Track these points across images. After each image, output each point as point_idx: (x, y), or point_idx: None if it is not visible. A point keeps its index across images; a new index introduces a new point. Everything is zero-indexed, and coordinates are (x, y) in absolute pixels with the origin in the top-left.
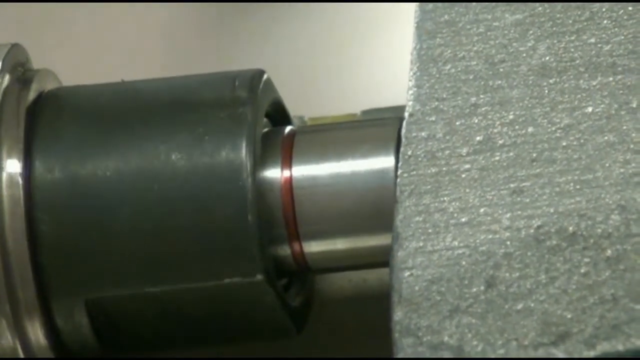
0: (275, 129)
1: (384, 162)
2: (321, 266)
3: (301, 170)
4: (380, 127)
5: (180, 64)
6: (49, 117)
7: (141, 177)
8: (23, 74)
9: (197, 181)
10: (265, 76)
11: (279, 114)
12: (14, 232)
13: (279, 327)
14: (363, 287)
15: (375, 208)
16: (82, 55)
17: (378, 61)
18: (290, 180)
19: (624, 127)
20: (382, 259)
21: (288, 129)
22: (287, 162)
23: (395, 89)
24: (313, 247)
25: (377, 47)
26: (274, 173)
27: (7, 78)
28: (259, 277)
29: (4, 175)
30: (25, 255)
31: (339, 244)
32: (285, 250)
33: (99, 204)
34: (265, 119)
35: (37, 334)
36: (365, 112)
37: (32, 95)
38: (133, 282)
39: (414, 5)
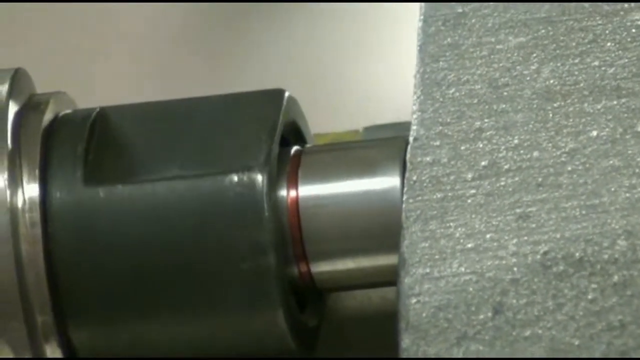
0: (282, 149)
1: (390, 182)
2: (328, 286)
3: (307, 191)
4: (386, 147)
5: (181, 66)
6: (65, 140)
7: (158, 201)
8: (30, 98)
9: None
10: (286, 96)
11: (292, 134)
12: (32, 256)
13: (291, 350)
14: (367, 305)
15: (382, 228)
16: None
17: (381, 76)
18: (296, 201)
19: (629, 152)
20: (389, 278)
21: (294, 149)
22: (294, 183)
23: (398, 104)
24: (320, 267)
25: (379, 63)
26: (281, 194)
27: (16, 103)
28: (280, 317)
29: (24, 200)
30: (43, 280)
31: (346, 264)
32: (293, 271)
33: (117, 229)
34: None
35: (55, 354)
36: (367, 129)
37: (47, 118)
38: (149, 309)
39: (416, 16)
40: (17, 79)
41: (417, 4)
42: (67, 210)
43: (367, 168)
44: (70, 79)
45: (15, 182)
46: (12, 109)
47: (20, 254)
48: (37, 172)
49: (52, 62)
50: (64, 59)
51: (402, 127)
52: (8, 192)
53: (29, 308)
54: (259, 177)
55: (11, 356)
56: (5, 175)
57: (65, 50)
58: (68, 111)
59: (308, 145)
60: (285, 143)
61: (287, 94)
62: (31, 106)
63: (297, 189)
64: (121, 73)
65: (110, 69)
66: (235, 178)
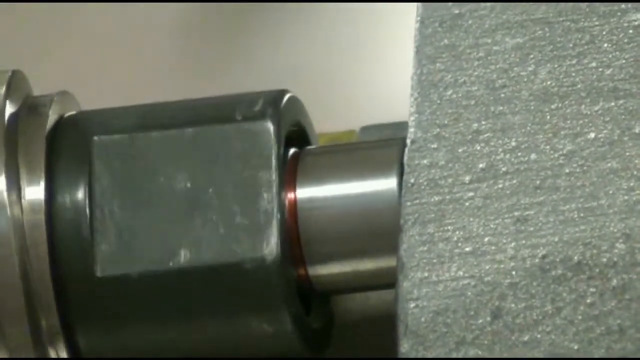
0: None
1: (388, 183)
2: (326, 288)
3: (305, 193)
4: (384, 149)
5: (184, 63)
6: (70, 142)
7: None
8: (28, 99)
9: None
10: (287, 97)
11: (295, 134)
12: (36, 258)
13: (297, 352)
14: (366, 307)
15: (380, 230)
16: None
17: (378, 75)
18: (294, 203)
19: (627, 154)
20: (387, 280)
21: (292, 150)
22: (292, 184)
23: (395, 104)
24: (318, 269)
25: (376, 62)
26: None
27: (13, 105)
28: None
29: (25, 202)
30: (49, 282)
31: (345, 266)
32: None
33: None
34: None
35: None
36: (364, 129)
37: (51, 120)
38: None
39: (414, 16)
40: (15, 81)
41: (415, 4)
42: (72, 213)
43: (365, 170)
44: (71, 79)
45: (14, 184)
46: (9, 110)
47: (22, 256)
48: (41, 174)
49: (50, 62)
50: (64, 59)
51: (399, 127)
52: (6, 195)
53: (35, 310)
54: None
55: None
56: (3, 178)
57: (65, 50)
58: (72, 112)
59: (306, 147)
60: (289, 143)
61: (289, 95)
62: (31, 107)
63: (294, 191)
64: (130, 71)
65: (120, 68)
66: (246, 112)
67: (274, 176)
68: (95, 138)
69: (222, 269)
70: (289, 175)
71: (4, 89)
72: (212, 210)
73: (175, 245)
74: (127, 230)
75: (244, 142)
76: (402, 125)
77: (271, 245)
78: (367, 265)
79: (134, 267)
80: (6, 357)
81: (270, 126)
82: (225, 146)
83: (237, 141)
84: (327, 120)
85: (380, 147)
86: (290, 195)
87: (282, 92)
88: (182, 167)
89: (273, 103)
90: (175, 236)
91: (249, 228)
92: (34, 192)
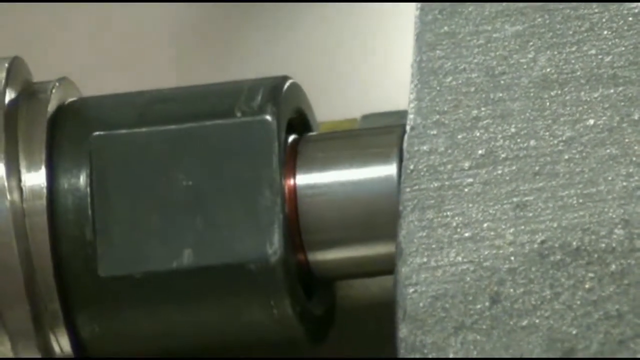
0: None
1: (388, 170)
2: (326, 275)
3: (305, 179)
4: (384, 135)
5: (185, 59)
6: (71, 128)
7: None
8: (29, 86)
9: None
10: (287, 84)
11: (296, 121)
12: (37, 244)
13: (298, 339)
14: (365, 294)
15: (380, 216)
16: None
17: (378, 64)
18: (294, 189)
19: (626, 140)
20: (387, 267)
21: (292, 137)
22: (291, 171)
23: (396, 92)
24: (318, 255)
25: (378, 50)
26: None
27: (13, 91)
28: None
29: (25, 188)
30: (50, 269)
31: (344, 253)
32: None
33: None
34: None
35: (62, 346)
36: (365, 117)
37: (52, 106)
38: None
39: (414, 8)
40: (14, 67)
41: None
42: (73, 199)
43: (365, 156)
44: (70, 77)
45: (14, 170)
46: (9, 96)
47: (22, 242)
48: (42, 160)
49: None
50: (64, 56)
51: (400, 115)
52: (6, 181)
53: (36, 296)
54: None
55: (9, 345)
56: (3, 164)
57: (65, 49)
58: (73, 98)
59: (306, 134)
60: (289, 130)
61: (290, 81)
62: (30, 94)
63: (294, 177)
64: (130, 68)
65: (120, 65)
66: (246, 108)
67: (276, 174)
68: (95, 134)
69: (226, 270)
70: (289, 162)
71: (4, 74)
72: (214, 209)
73: (179, 245)
74: (130, 230)
75: (244, 139)
76: (403, 114)
77: (275, 246)
78: (366, 251)
79: (137, 267)
80: (7, 342)
81: (270, 122)
82: (225, 143)
83: (238, 138)
84: (328, 109)
85: (380, 134)
86: (290, 182)
87: (283, 80)
88: (182, 165)
89: (272, 96)
90: (178, 236)
91: (251, 228)
92: (34, 178)
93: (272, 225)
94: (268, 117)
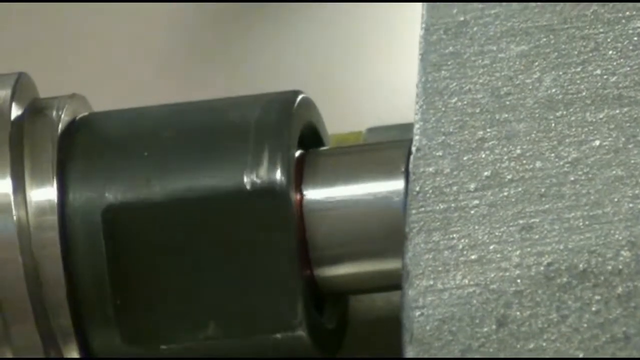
0: None
1: (396, 185)
2: (332, 290)
3: (312, 194)
4: (391, 151)
5: (185, 63)
6: (83, 144)
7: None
8: (35, 102)
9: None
10: (299, 98)
11: (308, 136)
12: (47, 260)
13: (309, 352)
14: (372, 308)
15: (387, 231)
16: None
17: (385, 77)
18: (300, 204)
19: (632, 161)
20: (394, 282)
21: (298, 152)
22: (298, 186)
23: (401, 105)
24: (324, 271)
25: (384, 64)
26: None
27: (19, 107)
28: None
29: (32, 204)
30: (60, 284)
31: (351, 268)
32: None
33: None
34: None
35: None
36: (370, 130)
37: (63, 122)
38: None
39: (419, 16)
40: (20, 84)
41: (420, 4)
42: (84, 215)
43: (373, 172)
44: (70, 78)
45: (20, 186)
46: (15, 112)
47: (27, 258)
48: (50, 175)
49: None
50: (63, 58)
51: (406, 129)
52: (12, 197)
53: (46, 312)
54: (283, 179)
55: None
56: (9, 180)
57: (65, 50)
58: (85, 113)
59: (313, 149)
60: (299, 145)
61: (301, 96)
62: (37, 110)
63: (301, 192)
64: (131, 71)
65: (122, 68)
66: (255, 178)
67: (293, 243)
68: (107, 205)
69: (252, 341)
70: (296, 177)
71: (10, 91)
72: (234, 283)
73: (203, 318)
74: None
75: (259, 213)
76: (409, 127)
77: (300, 317)
78: (373, 267)
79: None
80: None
81: (283, 194)
82: (237, 218)
83: (251, 211)
84: (334, 122)
85: (387, 149)
86: (297, 197)
87: (289, 110)
88: (198, 240)
89: (281, 156)
90: (202, 308)
91: (274, 298)
92: (42, 194)
93: (294, 294)
94: (278, 189)
